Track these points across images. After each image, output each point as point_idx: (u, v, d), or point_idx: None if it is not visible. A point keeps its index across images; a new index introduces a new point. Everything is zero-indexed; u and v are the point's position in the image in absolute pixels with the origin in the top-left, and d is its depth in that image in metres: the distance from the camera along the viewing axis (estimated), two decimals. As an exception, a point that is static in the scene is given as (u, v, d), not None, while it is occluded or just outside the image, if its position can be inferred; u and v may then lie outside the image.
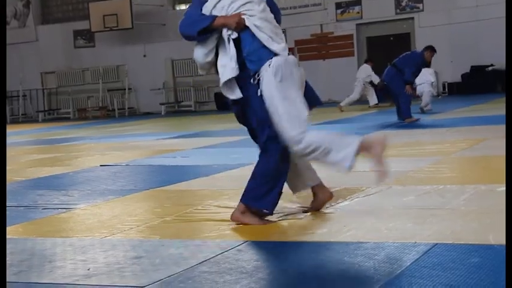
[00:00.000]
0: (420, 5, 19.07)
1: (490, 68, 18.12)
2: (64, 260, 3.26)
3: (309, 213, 3.96)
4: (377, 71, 14.56)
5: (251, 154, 7.56)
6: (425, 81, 12.03)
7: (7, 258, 3.32)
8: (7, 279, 2.91)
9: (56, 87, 23.64)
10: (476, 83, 17.83)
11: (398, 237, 3.24)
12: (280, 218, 3.86)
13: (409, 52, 11.54)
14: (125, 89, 22.33)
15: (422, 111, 11.86)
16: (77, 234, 3.86)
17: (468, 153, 6.24)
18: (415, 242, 3.09)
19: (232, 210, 4.16)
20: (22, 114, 23.50)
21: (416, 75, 10.77)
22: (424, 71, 11.60)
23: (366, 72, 15.26)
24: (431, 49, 10.88)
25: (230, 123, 13.52)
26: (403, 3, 19.30)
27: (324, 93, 19.40)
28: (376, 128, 9.67)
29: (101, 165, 7.22)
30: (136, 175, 6.45)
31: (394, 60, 10.92)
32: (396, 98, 10.56)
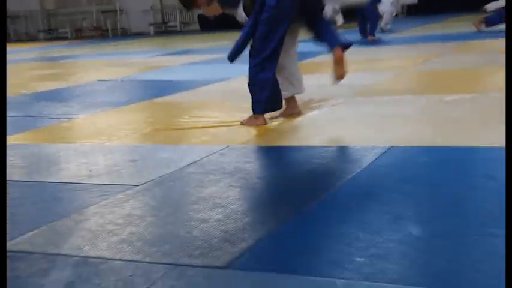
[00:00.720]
0: None
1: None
2: (68, 162, 3.29)
3: (281, 120, 3.99)
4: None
5: (230, 70, 7.53)
6: (386, 1, 11.72)
7: (18, 161, 3.35)
8: (19, 178, 2.94)
9: (55, 8, 22.98)
10: (432, 4, 17.62)
11: (359, 141, 3.29)
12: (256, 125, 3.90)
13: None
14: (116, 11, 21.79)
15: (382, 31, 11.71)
16: (79, 141, 3.87)
17: (422, 67, 6.24)
18: (374, 145, 3.14)
19: (215, 119, 4.19)
20: (25, 33, 22.93)
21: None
22: None
23: None
24: None
25: (212, 41, 13.38)
26: None
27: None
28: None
29: (97, 80, 7.15)
30: (130, 89, 6.41)
31: None
32: (364, 17, 10.41)
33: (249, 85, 3.97)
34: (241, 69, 7.15)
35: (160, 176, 2.88)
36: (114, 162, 3.22)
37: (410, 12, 18.02)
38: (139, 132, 4.01)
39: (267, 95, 3.87)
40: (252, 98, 3.95)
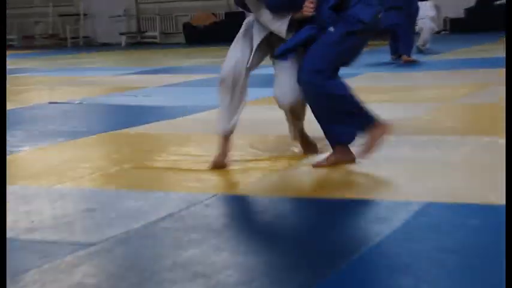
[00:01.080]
0: None
1: (498, 2, 18.13)
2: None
3: (289, 165, 3.96)
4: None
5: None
6: (425, 16, 11.88)
7: None
8: None
9: (-1, 10, 23.23)
10: (482, 19, 17.85)
11: (388, 195, 3.28)
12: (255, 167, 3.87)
13: None
14: (79, 15, 22.01)
15: (420, 51, 11.83)
16: (21, 181, 3.83)
17: (471, 100, 6.28)
18: (408, 200, 3.12)
19: (200, 158, 4.16)
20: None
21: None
22: (423, 4, 11.55)
23: None
24: None
25: (201, 58, 13.49)
26: None
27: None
28: (369, 67, 9.66)
29: (50, 103, 7.17)
30: (91, 115, 6.42)
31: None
32: (396, 33, 10.50)
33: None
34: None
35: (125, 232, 2.83)
36: (64, 212, 3.17)
37: (455, 29, 18.25)
38: (100, 173, 3.97)
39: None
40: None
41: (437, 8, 12.54)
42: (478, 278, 2.27)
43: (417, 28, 11.21)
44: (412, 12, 10.59)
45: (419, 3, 11.15)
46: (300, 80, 3.79)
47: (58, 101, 7.25)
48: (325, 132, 3.87)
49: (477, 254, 2.48)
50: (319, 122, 3.87)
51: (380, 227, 2.80)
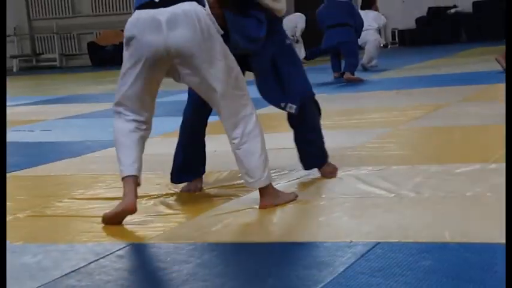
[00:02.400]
0: None
1: (453, 11, 18.56)
2: None
3: (220, 206, 4.00)
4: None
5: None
6: (368, 27, 11.89)
7: None
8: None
9: None
10: (434, 30, 18.23)
11: (330, 235, 3.31)
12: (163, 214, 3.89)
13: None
14: (-39, 36, 21.70)
15: (365, 69, 11.99)
16: None
17: (422, 124, 6.39)
18: (351, 242, 3.16)
19: (111, 202, 4.16)
20: None
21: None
22: (366, 14, 11.72)
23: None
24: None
25: (107, 84, 13.41)
26: None
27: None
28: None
29: None
30: (-22, 156, 6.31)
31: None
32: (338, 50, 10.74)
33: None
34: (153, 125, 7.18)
35: (22, 293, 2.82)
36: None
37: (404, 41, 18.59)
38: (-10, 224, 3.93)
39: None
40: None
41: (382, 18, 12.75)
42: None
43: (359, 41, 11.34)
44: (357, 27, 10.82)
45: (362, 13, 11.39)
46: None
47: None
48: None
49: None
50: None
51: (320, 273, 2.85)
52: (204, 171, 4.42)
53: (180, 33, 3.56)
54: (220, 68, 3.69)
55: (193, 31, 3.57)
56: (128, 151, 3.79)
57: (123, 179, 3.77)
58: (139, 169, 3.78)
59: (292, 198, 3.93)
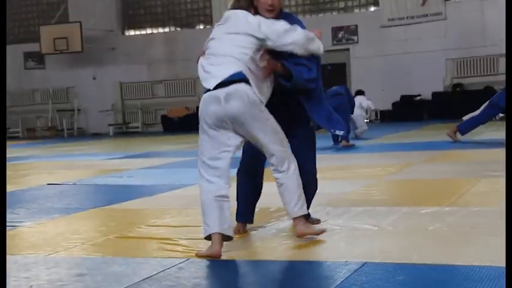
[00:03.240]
0: (355, 37, 19.47)
1: (418, 98, 18.58)
2: (7, 277, 3.16)
3: (250, 233, 3.95)
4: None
5: (193, 175, 7.54)
6: (358, 104, 11.98)
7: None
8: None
9: (8, 106, 23.07)
10: (405, 111, 18.24)
11: (330, 256, 3.26)
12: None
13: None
14: (74, 110, 21.98)
15: (357, 137, 12.00)
16: (21, 252, 3.74)
17: (396, 177, 6.34)
18: (346, 261, 3.11)
19: (175, 229, 4.13)
20: (-29, 133, 22.82)
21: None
22: (357, 98, 11.88)
23: None
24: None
25: (175, 144, 13.49)
26: (340, 36, 19.66)
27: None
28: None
29: (48, 184, 7.06)
30: (83, 194, 6.33)
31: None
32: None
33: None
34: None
35: (110, 293, 2.78)
36: (58, 277, 3.11)
37: (384, 119, 18.60)
38: (89, 243, 3.91)
39: None
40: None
41: (368, 101, 12.81)
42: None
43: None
44: (350, 98, 10.86)
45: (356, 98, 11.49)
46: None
47: (55, 182, 7.16)
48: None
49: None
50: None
51: (323, 284, 2.80)
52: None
53: (234, 104, 3.52)
54: (266, 129, 3.53)
55: (243, 102, 3.52)
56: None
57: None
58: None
59: (320, 231, 3.72)
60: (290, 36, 3.62)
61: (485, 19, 17.90)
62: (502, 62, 17.98)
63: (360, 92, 12.93)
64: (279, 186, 3.65)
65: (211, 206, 3.47)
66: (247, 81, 3.50)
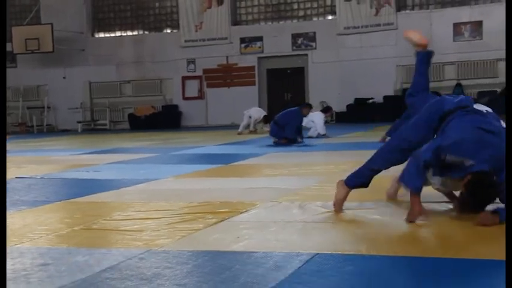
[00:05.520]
0: (313, 44, 19.59)
1: (370, 101, 18.80)
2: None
3: (208, 225, 3.92)
4: (275, 100, 14.62)
5: (157, 170, 7.48)
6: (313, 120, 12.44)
7: None
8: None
9: (-22, 103, 22.58)
10: (359, 114, 18.43)
11: (284, 248, 3.25)
12: (175, 229, 3.81)
13: (288, 110, 11.46)
14: (44, 107, 21.60)
15: (319, 136, 12.25)
16: (-13, 242, 3.65)
17: (348, 174, 6.36)
18: (299, 252, 3.11)
19: (137, 221, 4.08)
20: None
21: (297, 132, 10.97)
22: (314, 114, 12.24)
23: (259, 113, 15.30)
24: (308, 106, 11.58)
25: (141, 141, 13.35)
26: (299, 42, 19.75)
27: (228, 117, 19.47)
28: (266, 148, 9.78)
29: (16, 177, 6.91)
30: (50, 187, 6.21)
31: (276, 116, 11.16)
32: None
33: None
34: (168, 169, 7.13)
35: (72, 282, 2.73)
36: (22, 267, 3.03)
37: (339, 119, 18.75)
38: (54, 234, 3.83)
39: None
40: None
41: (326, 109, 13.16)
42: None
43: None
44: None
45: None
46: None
47: (23, 176, 7.02)
48: None
49: (351, 293, 2.51)
50: None
51: (277, 273, 2.79)
52: None
53: None
54: None
55: None
56: None
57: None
58: None
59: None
60: None
61: (433, 29, 18.20)
62: (447, 69, 18.34)
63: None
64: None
65: None
66: None
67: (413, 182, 3.65)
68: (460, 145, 3.53)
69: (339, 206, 4.13)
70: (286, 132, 10.70)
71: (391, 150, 4.07)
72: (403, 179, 3.73)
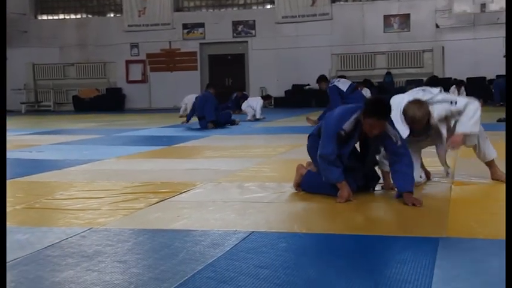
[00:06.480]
0: (253, 31, 19.56)
1: (307, 87, 18.94)
2: None
3: (149, 204, 3.89)
4: (216, 85, 14.44)
5: (100, 151, 7.33)
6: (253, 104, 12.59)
7: None
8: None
9: None
10: (296, 99, 18.56)
11: (222, 226, 3.27)
12: (118, 208, 3.77)
13: (200, 95, 11.37)
14: (-14, 88, 20.77)
15: (256, 119, 12.25)
16: None
17: (285, 156, 6.42)
18: (236, 230, 3.14)
19: (79, 200, 4.01)
20: None
21: (216, 113, 10.89)
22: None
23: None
24: (213, 86, 11.45)
25: (85, 123, 13.06)
26: (239, 29, 19.68)
27: (170, 101, 19.27)
28: (208, 131, 9.77)
29: (-43, 157, 6.64)
30: (-8, 167, 5.99)
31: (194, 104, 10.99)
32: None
33: None
34: (112, 151, 7.01)
35: (14, 260, 2.66)
36: (-37, 245, 2.93)
37: (277, 104, 18.84)
38: (-4, 213, 3.71)
39: None
40: None
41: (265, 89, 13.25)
42: (284, 285, 2.32)
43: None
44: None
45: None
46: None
47: (-35, 156, 6.74)
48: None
49: (284, 267, 2.54)
50: None
51: (214, 250, 2.80)
52: None
53: None
54: None
55: None
56: None
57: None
58: None
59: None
60: None
61: (365, 20, 18.49)
62: (378, 58, 18.67)
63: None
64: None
65: None
66: None
67: (333, 175, 3.85)
68: (334, 114, 3.95)
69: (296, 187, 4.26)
70: (207, 115, 10.53)
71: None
72: (327, 179, 3.89)
